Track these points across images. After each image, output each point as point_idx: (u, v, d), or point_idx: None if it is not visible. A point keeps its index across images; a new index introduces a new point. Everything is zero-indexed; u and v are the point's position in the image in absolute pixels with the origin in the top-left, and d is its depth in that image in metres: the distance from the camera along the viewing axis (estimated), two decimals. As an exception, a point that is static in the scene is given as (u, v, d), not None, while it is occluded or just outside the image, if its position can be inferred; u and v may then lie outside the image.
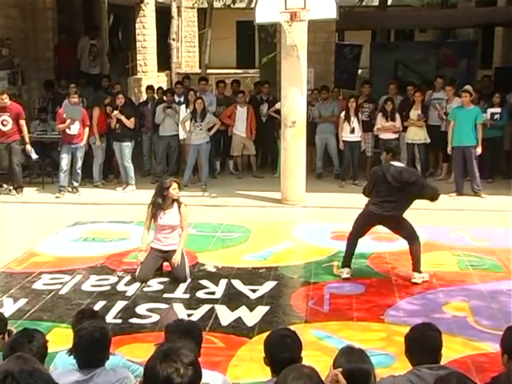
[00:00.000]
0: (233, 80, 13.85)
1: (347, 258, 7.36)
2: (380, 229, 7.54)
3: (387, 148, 7.97)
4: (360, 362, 3.14)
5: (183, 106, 11.79)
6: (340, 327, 6.00)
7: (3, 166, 11.39)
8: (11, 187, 11.23)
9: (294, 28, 9.71)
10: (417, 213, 9.57)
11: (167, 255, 7.28)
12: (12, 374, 2.03)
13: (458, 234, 8.81)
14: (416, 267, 7.15)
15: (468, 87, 11.21)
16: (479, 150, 10.69)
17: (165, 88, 13.59)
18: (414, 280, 7.10)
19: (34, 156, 11.50)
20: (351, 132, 11.55)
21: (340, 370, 3.07)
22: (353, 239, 7.35)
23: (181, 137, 11.86)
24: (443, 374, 3.14)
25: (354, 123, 11.53)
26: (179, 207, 7.30)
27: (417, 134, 11.62)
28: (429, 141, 11.64)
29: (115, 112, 11.40)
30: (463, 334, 5.81)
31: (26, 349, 3.30)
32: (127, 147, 11.51)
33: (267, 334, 3.65)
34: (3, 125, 11.03)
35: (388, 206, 6.97)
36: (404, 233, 7.24)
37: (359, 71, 16.52)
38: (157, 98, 12.75)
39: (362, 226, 7.30)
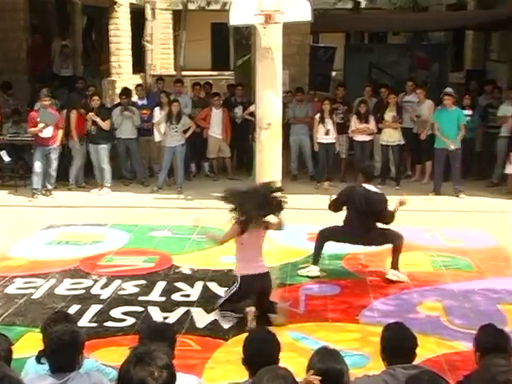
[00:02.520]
0: (205, 82, 13.84)
1: (317, 257, 7.46)
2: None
3: (361, 169, 8.04)
4: (333, 362, 3.15)
5: (157, 109, 11.75)
6: (316, 328, 6.02)
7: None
8: None
9: (269, 30, 9.73)
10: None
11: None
12: None
13: (431, 235, 8.89)
14: (394, 265, 7.25)
15: (449, 90, 11.40)
16: (453, 147, 10.80)
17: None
18: (387, 276, 7.20)
19: (7, 158, 11.37)
20: (326, 134, 11.61)
21: (312, 372, 3.07)
22: (322, 240, 7.43)
23: (156, 139, 11.81)
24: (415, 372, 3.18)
25: (329, 125, 11.59)
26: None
27: (391, 136, 11.71)
28: (403, 142, 11.75)
29: (90, 114, 11.32)
30: (437, 334, 5.87)
31: None
32: (103, 149, 11.43)
33: (244, 335, 3.65)
34: None
35: (360, 230, 7.15)
36: (388, 241, 7.36)
37: (333, 73, 16.59)
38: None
39: (337, 235, 7.40)
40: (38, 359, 3.49)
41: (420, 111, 11.78)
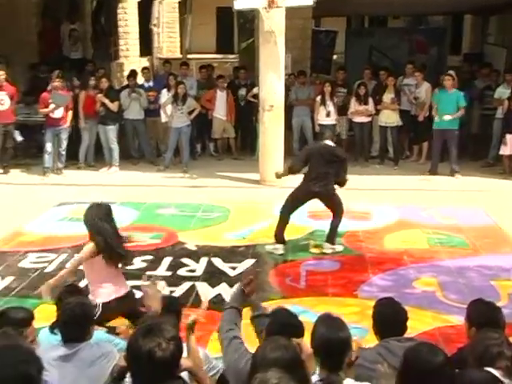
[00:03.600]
0: (207, 64, 13.78)
1: (281, 235, 7.46)
2: (355, 208, 7.60)
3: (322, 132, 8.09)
4: (339, 331, 3.10)
5: (164, 90, 11.70)
6: (316, 302, 6.03)
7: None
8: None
9: (272, 14, 9.67)
10: (393, 193, 9.69)
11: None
12: None
13: (428, 213, 8.88)
14: (330, 239, 7.38)
15: (451, 72, 11.31)
16: (447, 118, 10.76)
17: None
18: (324, 250, 7.33)
19: (19, 138, 11.36)
20: (327, 116, 11.57)
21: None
22: (287, 214, 7.44)
23: (162, 120, 11.78)
24: (412, 344, 3.19)
25: (330, 107, 11.55)
26: None
27: (390, 117, 11.67)
28: (401, 123, 11.70)
29: (99, 95, 11.29)
30: (432, 308, 5.89)
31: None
32: (111, 130, 11.43)
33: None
34: (1, 104, 10.84)
35: (321, 183, 7.15)
36: (333, 207, 7.40)
37: (334, 57, 16.48)
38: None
39: (297, 201, 7.42)
40: (52, 330, 3.52)
41: (418, 93, 11.72)
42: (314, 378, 2.95)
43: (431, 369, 2.74)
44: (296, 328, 3.27)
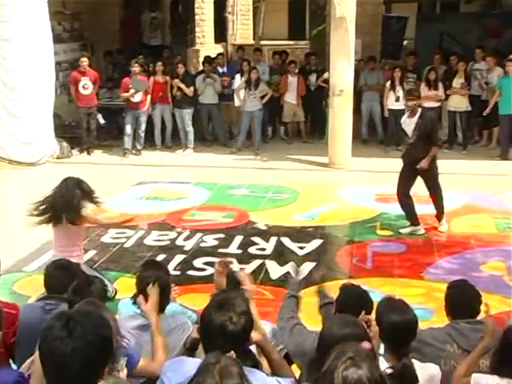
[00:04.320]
0: (282, 51, 13.72)
1: (414, 216, 7.35)
2: (420, 192, 7.43)
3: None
4: (405, 314, 3.03)
5: (238, 75, 11.73)
6: (382, 283, 5.96)
7: (80, 128, 11.47)
8: (83, 148, 11.44)
9: (344, 0, 9.51)
10: (462, 177, 9.39)
11: None
12: (71, 316, 2.06)
13: (497, 198, 8.59)
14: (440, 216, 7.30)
15: None
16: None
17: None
18: (440, 228, 7.29)
19: (102, 121, 11.65)
20: (396, 100, 11.31)
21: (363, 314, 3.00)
22: (404, 197, 7.33)
23: (236, 104, 11.82)
24: (481, 327, 3.09)
25: (399, 92, 11.28)
26: None
27: (459, 103, 11.31)
28: (470, 109, 11.32)
29: (176, 80, 11.42)
30: (500, 292, 5.70)
31: (86, 292, 3.37)
32: (187, 113, 11.56)
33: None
34: (84, 88, 11.16)
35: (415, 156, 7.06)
36: (434, 179, 7.27)
37: (405, 42, 16.06)
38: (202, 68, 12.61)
39: (406, 181, 7.29)
40: (134, 301, 3.59)
41: (490, 78, 11.28)
42: (381, 363, 2.87)
43: None
44: (367, 303, 3.23)
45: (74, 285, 3.58)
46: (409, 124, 7.14)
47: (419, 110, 7.19)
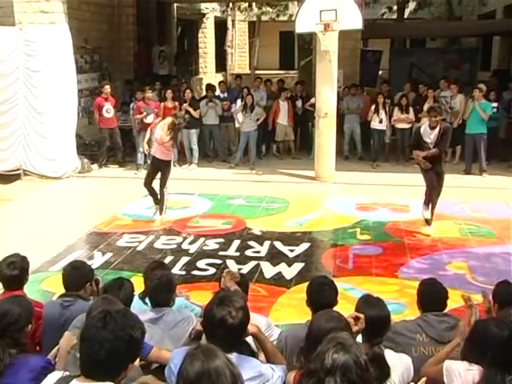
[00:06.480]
0: (278, 79, 13.74)
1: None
2: (397, 201, 7.43)
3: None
4: (380, 310, 3.05)
5: (239, 100, 11.72)
6: (362, 281, 5.95)
7: (103, 147, 11.49)
8: (102, 162, 11.45)
9: (327, 36, 9.57)
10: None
11: None
12: (110, 312, 2.06)
13: (459, 206, 8.61)
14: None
15: (481, 85, 11.01)
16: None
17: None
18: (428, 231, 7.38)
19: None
20: (379, 122, 11.42)
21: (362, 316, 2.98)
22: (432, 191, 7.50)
23: (236, 125, 11.83)
24: (447, 319, 3.08)
25: (382, 115, 11.38)
26: None
27: (428, 124, 11.35)
28: (438, 130, 11.36)
29: (185, 104, 11.44)
30: (463, 288, 5.67)
31: (114, 293, 3.35)
32: (194, 133, 11.56)
33: (306, 283, 3.61)
34: (107, 112, 11.18)
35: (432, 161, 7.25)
36: (441, 178, 7.44)
37: (380, 72, 16.18)
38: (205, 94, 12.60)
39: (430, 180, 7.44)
40: (143, 298, 3.58)
41: (453, 104, 11.36)
42: None
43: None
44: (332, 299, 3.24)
45: (106, 284, 3.58)
46: (430, 133, 7.17)
47: (442, 123, 7.33)
